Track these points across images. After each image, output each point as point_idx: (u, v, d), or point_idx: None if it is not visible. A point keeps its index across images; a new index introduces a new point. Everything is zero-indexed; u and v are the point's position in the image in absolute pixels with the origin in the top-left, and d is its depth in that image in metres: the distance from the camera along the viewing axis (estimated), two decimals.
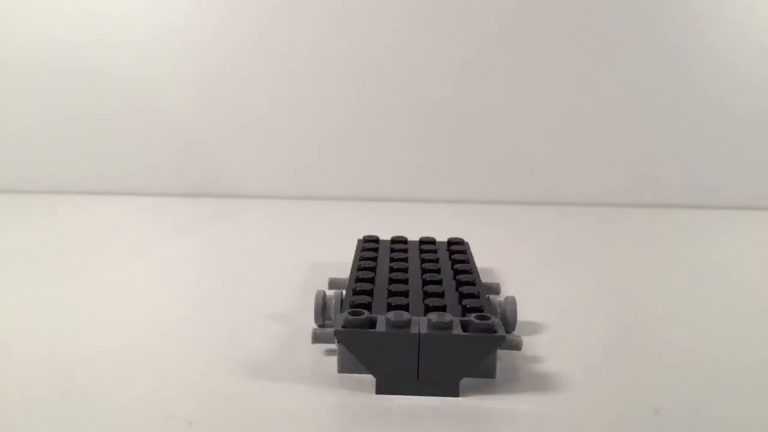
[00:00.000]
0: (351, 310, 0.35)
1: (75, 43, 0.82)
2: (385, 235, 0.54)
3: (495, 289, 0.45)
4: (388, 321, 0.33)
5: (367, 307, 0.37)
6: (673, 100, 0.82)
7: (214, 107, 0.84)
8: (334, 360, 0.36)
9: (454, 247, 0.49)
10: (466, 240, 0.52)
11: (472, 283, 0.41)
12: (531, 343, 0.40)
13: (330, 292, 0.41)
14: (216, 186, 0.84)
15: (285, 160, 0.84)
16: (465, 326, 0.34)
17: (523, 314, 0.42)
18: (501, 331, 0.33)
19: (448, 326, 0.33)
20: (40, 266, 0.56)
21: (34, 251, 0.61)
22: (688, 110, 0.82)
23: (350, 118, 0.83)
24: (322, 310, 0.40)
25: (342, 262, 0.52)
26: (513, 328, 0.40)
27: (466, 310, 0.37)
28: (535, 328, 0.43)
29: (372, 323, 0.34)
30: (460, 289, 0.40)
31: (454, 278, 0.42)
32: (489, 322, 0.33)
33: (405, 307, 0.37)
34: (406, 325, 0.33)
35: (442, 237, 0.53)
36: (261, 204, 0.82)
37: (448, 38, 0.82)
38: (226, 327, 0.43)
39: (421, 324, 0.33)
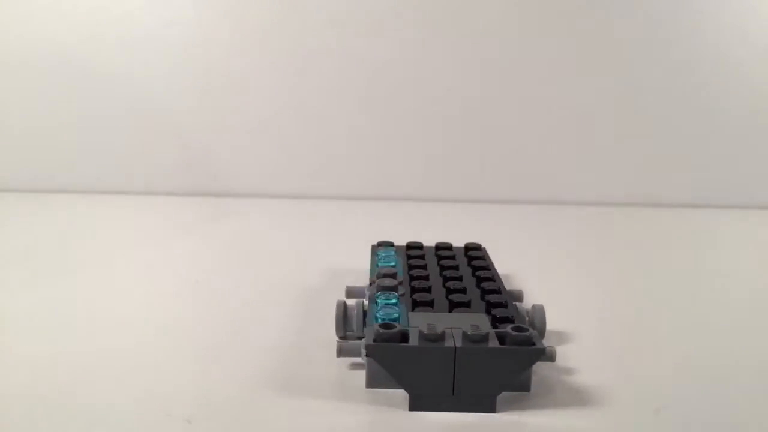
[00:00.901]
0: (381, 323, 0.33)
1: (74, 41, 0.81)
2: (391, 235, 0.52)
3: (518, 296, 0.44)
4: (421, 334, 0.32)
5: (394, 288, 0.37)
6: (674, 100, 0.82)
7: (215, 106, 0.83)
8: (360, 374, 0.35)
9: (473, 253, 0.48)
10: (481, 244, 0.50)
11: (497, 291, 0.40)
12: (561, 353, 0.38)
13: (350, 302, 0.40)
14: (217, 185, 0.83)
15: (288, 159, 0.83)
16: (502, 338, 0.32)
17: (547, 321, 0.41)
18: (540, 344, 0.32)
19: (485, 339, 0.32)
20: (40, 265, 0.55)
21: (34, 250, 0.60)
22: (690, 110, 0.82)
23: (353, 118, 0.82)
24: (343, 320, 0.39)
25: (353, 267, 0.51)
26: (542, 337, 0.39)
27: (496, 321, 0.36)
28: (561, 336, 0.42)
29: (404, 336, 0.32)
30: (487, 297, 0.39)
31: (478, 286, 0.41)
32: (527, 334, 0.32)
33: (430, 303, 0.37)
34: (441, 338, 0.32)
35: (450, 237, 0.52)
36: (264, 203, 0.81)
37: (451, 40, 0.81)
38: (233, 330, 0.42)
39: (456, 337, 0.32)
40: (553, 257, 0.62)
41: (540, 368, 0.36)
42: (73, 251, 0.60)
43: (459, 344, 0.31)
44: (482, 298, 0.39)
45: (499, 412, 0.32)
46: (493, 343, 0.32)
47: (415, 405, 0.32)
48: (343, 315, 0.39)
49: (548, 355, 0.35)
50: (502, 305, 0.37)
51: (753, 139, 0.83)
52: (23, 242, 0.63)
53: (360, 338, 0.37)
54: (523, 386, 0.33)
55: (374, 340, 0.32)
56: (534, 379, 0.34)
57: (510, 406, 0.32)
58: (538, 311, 0.39)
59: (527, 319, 0.39)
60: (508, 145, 0.83)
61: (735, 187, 0.83)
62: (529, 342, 0.31)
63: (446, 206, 0.80)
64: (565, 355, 0.38)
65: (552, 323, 0.42)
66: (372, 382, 0.34)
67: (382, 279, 0.40)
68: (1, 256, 0.59)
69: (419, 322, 0.34)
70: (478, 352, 0.31)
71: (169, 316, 0.44)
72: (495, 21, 0.81)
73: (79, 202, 0.80)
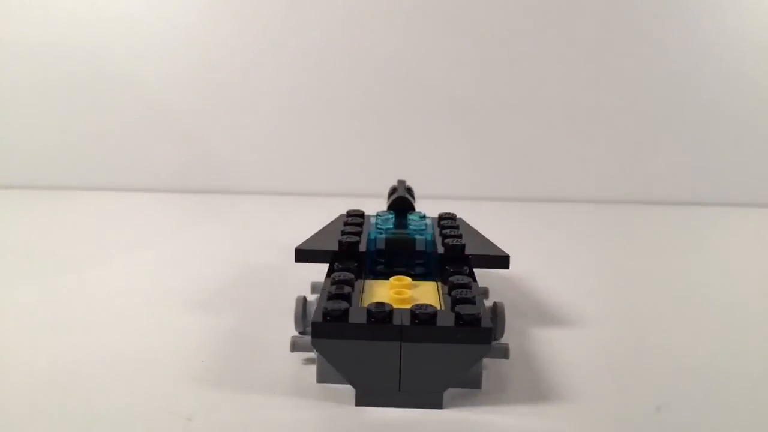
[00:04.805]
0: (324, 308, 0.32)
1: (78, 40, 0.81)
2: None
3: (483, 293, 0.44)
4: (368, 312, 0.31)
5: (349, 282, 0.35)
6: (675, 98, 0.82)
7: (217, 104, 0.83)
8: (313, 369, 0.35)
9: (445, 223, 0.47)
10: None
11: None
12: (520, 350, 0.38)
13: (311, 298, 0.40)
14: (216, 183, 0.84)
15: (287, 157, 0.83)
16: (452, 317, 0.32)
17: (513, 319, 0.41)
18: (487, 323, 0.31)
19: (432, 319, 0.31)
20: (40, 263, 0.55)
21: (35, 248, 0.60)
22: (690, 108, 0.82)
23: (352, 116, 0.83)
24: (302, 316, 0.39)
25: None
26: (501, 335, 0.38)
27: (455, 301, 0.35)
28: (524, 333, 0.41)
29: (351, 328, 0.32)
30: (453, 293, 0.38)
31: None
32: (476, 314, 0.31)
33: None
34: (388, 317, 0.31)
35: None
36: (260, 201, 0.81)
37: (452, 38, 0.81)
38: (223, 327, 0.42)
39: (403, 317, 0.32)
40: (549, 254, 0.61)
41: (494, 365, 0.36)
42: (74, 248, 0.60)
43: (405, 339, 0.31)
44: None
45: (446, 408, 0.32)
46: (442, 321, 0.31)
47: (362, 400, 0.32)
48: (303, 311, 0.39)
49: (501, 352, 0.34)
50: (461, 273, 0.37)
51: (753, 137, 0.82)
52: (25, 239, 0.64)
53: None
54: (474, 383, 0.33)
55: (314, 335, 0.31)
56: (486, 375, 0.34)
57: (459, 403, 0.32)
58: (498, 308, 0.38)
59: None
60: (506, 143, 0.83)
61: (735, 185, 0.82)
62: (477, 320, 0.31)
63: (447, 204, 0.80)
64: (523, 352, 0.38)
65: (517, 320, 0.42)
66: (322, 378, 0.34)
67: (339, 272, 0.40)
68: (1, 253, 0.59)
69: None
70: (424, 346, 0.31)
71: (167, 314, 0.44)
72: (495, 20, 0.81)
73: (80, 198, 0.80)
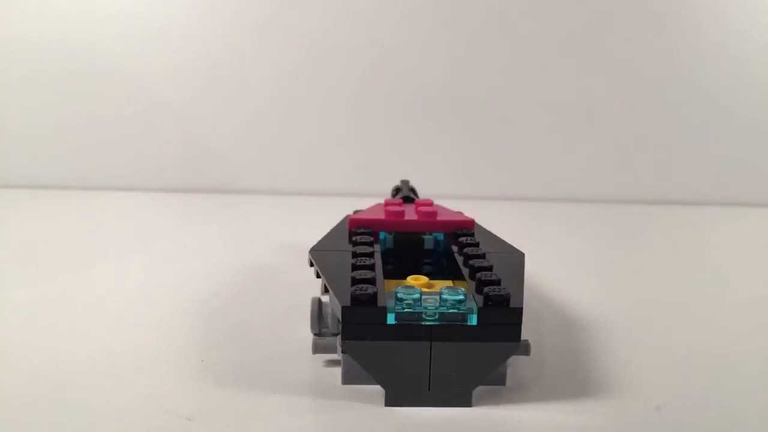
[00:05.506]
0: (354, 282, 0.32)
1: (76, 38, 0.81)
2: None
3: None
4: (398, 315, 0.31)
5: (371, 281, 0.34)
6: (675, 98, 0.83)
7: (215, 103, 0.83)
8: (335, 371, 0.34)
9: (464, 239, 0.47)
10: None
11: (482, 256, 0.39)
12: (538, 347, 0.38)
13: (325, 299, 0.40)
14: (216, 182, 0.84)
15: (287, 156, 0.83)
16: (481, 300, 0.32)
17: (526, 315, 0.41)
18: (517, 303, 0.31)
19: (463, 318, 0.31)
20: (41, 262, 0.55)
21: (34, 247, 0.60)
22: (691, 108, 0.83)
23: (353, 115, 0.83)
24: (318, 317, 0.39)
25: None
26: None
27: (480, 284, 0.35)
28: (540, 330, 0.42)
29: (382, 329, 0.32)
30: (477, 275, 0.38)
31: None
32: (504, 293, 0.31)
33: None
34: (417, 318, 0.31)
35: None
36: (263, 200, 0.81)
37: (450, 36, 0.82)
38: (223, 326, 0.42)
39: (434, 331, 0.32)
40: (549, 254, 0.61)
41: (515, 362, 0.36)
42: (72, 248, 0.60)
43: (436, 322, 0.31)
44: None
45: (475, 406, 0.32)
46: (471, 307, 0.31)
47: (391, 400, 0.32)
48: (318, 312, 0.39)
49: (523, 349, 0.35)
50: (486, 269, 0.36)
51: (753, 137, 0.83)
52: (24, 238, 0.63)
53: (335, 335, 0.37)
54: (499, 380, 0.33)
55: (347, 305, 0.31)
56: (509, 372, 0.34)
57: (485, 401, 0.32)
58: None
59: None
60: (506, 143, 0.83)
61: (735, 185, 0.84)
62: (506, 299, 0.31)
63: (447, 203, 0.80)
64: (541, 348, 0.38)
65: (531, 317, 0.43)
66: (348, 379, 0.34)
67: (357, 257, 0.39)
68: (2, 252, 0.58)
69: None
70: (454, 345, 0.31)
71: (167, 314, 0.44)
72: (496, 18, 0.81)
73: (79, 198, 0.80)
